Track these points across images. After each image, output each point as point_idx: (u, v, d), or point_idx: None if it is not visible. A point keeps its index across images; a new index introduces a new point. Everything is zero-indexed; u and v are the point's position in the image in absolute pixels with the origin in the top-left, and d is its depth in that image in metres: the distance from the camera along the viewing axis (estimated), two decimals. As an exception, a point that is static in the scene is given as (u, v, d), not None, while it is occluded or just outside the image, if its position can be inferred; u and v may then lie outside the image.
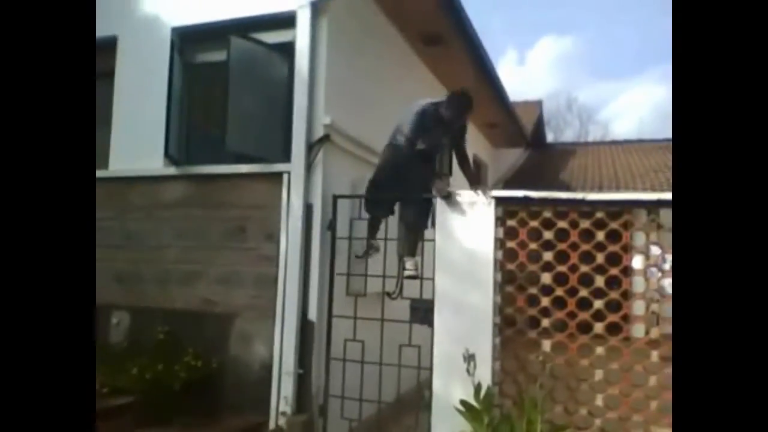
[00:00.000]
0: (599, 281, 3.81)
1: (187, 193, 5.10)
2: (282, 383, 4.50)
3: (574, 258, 3.88)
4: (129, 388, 4.21)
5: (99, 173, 4.73)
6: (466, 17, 6.59)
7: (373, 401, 4.34)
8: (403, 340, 4.25)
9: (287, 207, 4.66)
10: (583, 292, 3.83)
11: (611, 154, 14.56)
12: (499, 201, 4.03)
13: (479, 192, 4.06)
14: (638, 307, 3.89)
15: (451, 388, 3.82)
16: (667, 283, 3.76)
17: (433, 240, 4.15)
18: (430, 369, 4.03)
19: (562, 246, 3.90)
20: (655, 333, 3.79)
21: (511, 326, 3.96)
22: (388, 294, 4.54)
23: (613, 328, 3.79)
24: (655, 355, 3.68)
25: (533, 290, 3.95)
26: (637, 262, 3.90)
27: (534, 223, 3.96)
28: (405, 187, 4.45)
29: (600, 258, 3.82)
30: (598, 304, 3.79)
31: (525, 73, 40.95)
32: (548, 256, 3.93)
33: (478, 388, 3.60)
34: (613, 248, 3.81)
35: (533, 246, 3.98)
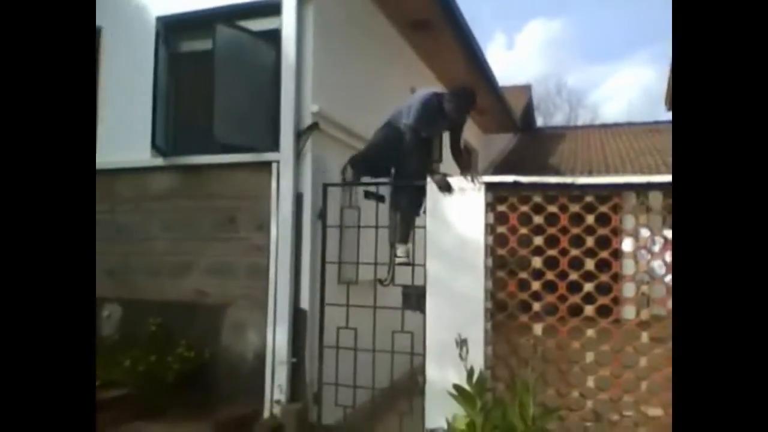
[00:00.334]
0: (589, 264, 3.84)
1: (176, 184, 5.07)
2: (276, 372, 4.51)
3: (564, 242, 3.90)
4: (122, 381, 4.21)
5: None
6: (454, 2, 6.55)
7: (367, 388, 4.36)
8: (395, 326, 4.26)
9: (277, 196, 4.65)
10: (574, 276, 3.85)
11: (600, 137, 14.59)
12: (489, 186, 4.03)
13: (469, 178, 4.06)
14: (628, 290, 3.92)
15: (444, 373, 3.84)
16: (657, 264, 3.79)
17: (424, 227, 4.16)
18: (423, 355, 4.05)
19: (552, 230, 3.92)
20: (645, 314, 3.83)
21: (503, 311, 3.99)
22: (380, 281, 4.55)
23: (604, 311, 3.83)
24: (645, 336, 3.72)
25: (524, 275, 3.96)
26: (626, 244, 3.93)
27: (524, 208, 3.97)
28: (401, 174, 4.45)
29: (590, 241, 3.85)
30: (588, 287, 3.82)
31: (514, 58, 40.90)
32: (538, 240, 3.95)
33: (470, 373, 3.63)
34: (602, 231, 3.83)
35: (523, 231, 4.00)
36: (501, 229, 4.03)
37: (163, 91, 5.22)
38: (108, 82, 5.36)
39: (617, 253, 3.89)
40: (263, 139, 4.81)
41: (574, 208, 3.89)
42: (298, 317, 4.57)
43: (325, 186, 4.61)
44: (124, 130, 5.21)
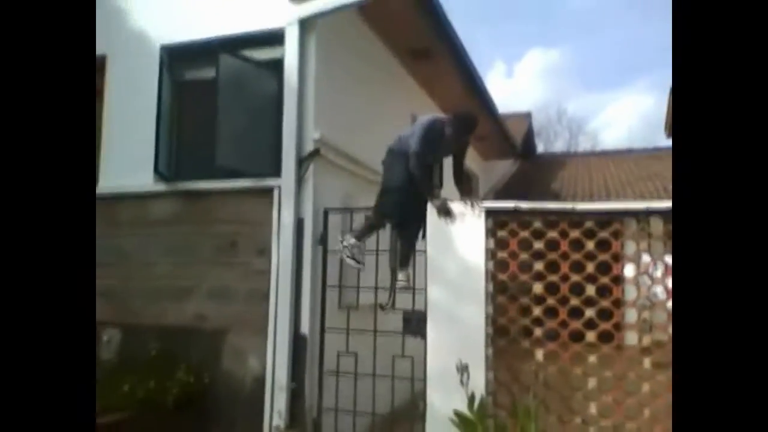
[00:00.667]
0: (590, 290, 3.83)
1: (178, 209, 5.10)
2: (275, 397, 4.47)
3: (564, 267, 3.90)
4: (121, 405, 4.17)
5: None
6: (453, 31, 6.65)
7: (367, 414, 4.33)
8: (396, 351, 4.24)
9: (278, 222, 4.67)
10: (575, 301, 3.84)
11: (601, 163, 14.65)
12: (490, 212, 4.05)
13: (469, 203, 4.08)
14: (630, 315, 3.91)
15: (445, 399, 3.81)
16: (659, 290, 3.78)
17: (425, 251, 4.17)
18: (424, 380, 4.02)
19: (552, 256, 3.92)
20: (647, 340, 3.81)
21: (504, 336, 3.97)
22: (381, 306, 4.54)
23: (606, 337, 3.81)
24: (647, 362, 3.69)
25: (525, 300, 3.96)
26: (628, 270, 3.92)
27: (524, 234, 3.98)
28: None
29: (590, 267, 3.84)
30: (589, 312, 3.80)
31: (514, 86, 41.19)
32: (539, 265, 3.94)
33: (471, 399, 3.60)
34: (603, 257, 3.83)
35: (524, 256, 4.00)
36: (501, 255, 4.03)
37: (166, 118, 5.29)
38: (112, 108, 5.43)
39: (618, 279, 3.88)
40: (265, 165, 4.86)
41: (575, 233, 3.89)
42: (298, 342, 4.55)
43: (326, 211, 4.64)
44: (128, 156, 5.27)
